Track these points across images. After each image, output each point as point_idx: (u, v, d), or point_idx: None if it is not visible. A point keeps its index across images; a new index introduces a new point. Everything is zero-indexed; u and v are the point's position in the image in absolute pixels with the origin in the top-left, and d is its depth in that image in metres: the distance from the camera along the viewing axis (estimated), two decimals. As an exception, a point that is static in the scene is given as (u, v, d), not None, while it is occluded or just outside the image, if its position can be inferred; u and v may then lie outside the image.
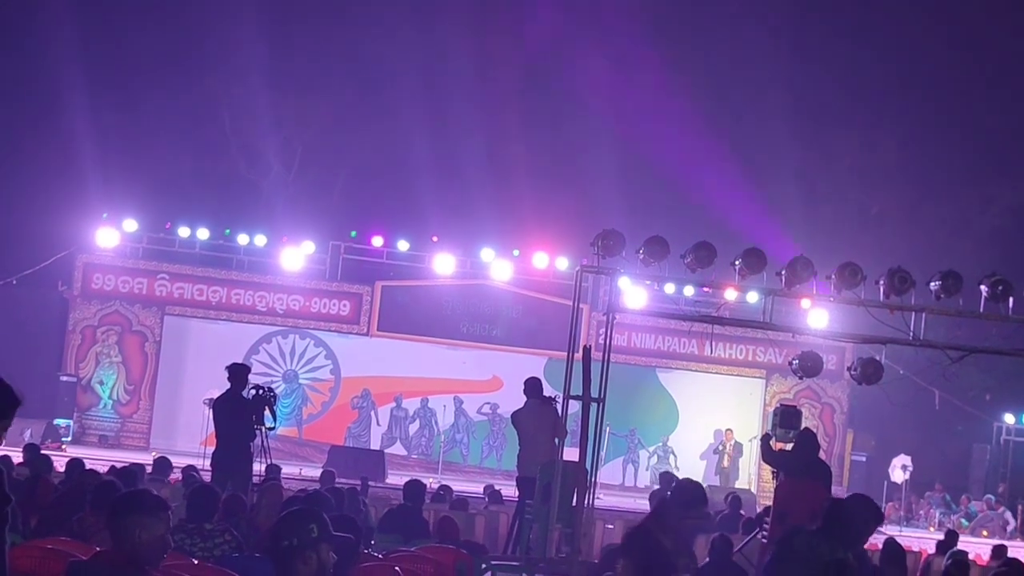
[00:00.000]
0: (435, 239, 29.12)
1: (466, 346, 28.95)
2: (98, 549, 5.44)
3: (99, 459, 18.37)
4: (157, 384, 28.04)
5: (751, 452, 28.14)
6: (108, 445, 26.50)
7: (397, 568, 8.32)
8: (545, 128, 36.56)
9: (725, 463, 27.88)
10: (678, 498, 7.46)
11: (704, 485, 8.01)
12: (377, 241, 28.93)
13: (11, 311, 28.21)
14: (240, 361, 17.18)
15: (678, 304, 25.43)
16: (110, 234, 27.59)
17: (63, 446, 24.19)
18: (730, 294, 16.14)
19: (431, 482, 18.46)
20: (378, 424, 29.34)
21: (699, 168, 35.01)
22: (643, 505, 23.81)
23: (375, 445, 28.35)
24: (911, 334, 13.81)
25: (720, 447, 28.30)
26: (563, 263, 28.09)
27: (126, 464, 13.95)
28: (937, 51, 36.24)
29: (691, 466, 28.12)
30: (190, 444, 25.10)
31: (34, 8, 33.92)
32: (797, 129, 35.40)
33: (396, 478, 22.90)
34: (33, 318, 28.54)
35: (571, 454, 14.35)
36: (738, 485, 26.09)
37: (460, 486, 20.80)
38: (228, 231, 28.61)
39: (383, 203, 34.39)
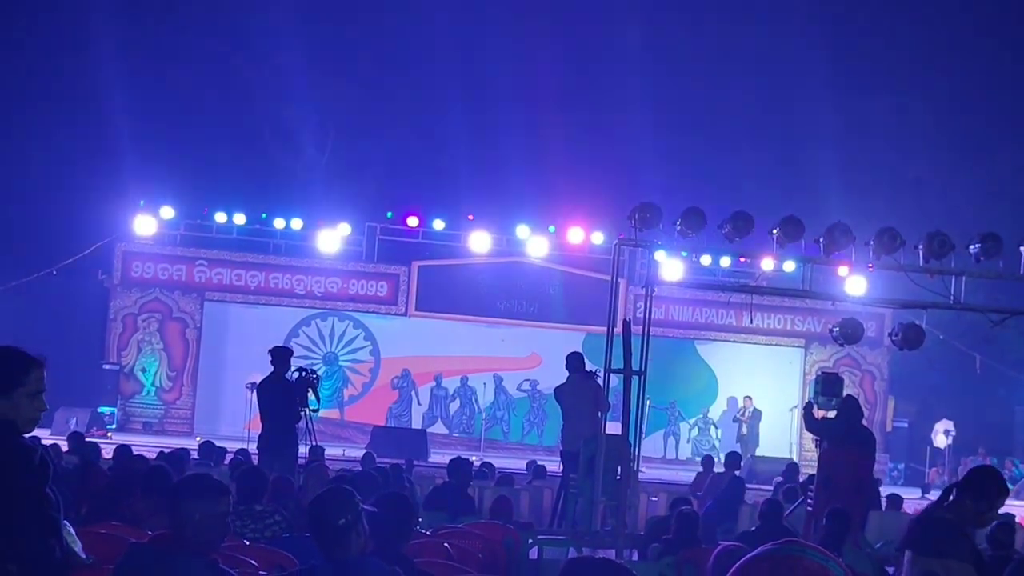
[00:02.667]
0: (471, 218, 29.13)
1: (504, 324, 29.00)
2: (155, 532, 5.50)
3: (144, 445, 18.53)
4: (199, 370, 28.24)
5: (786, 420, 28.12)
6: (152, 432, 26.73)
7: (446, 544, 8.39)
8: (579, 103, 36.47)
9: (744, 430, 27.76)
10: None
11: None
12: (412, 221, 28.96)
13: (52, 301, 28.43)
14: (280, 344, 17.27)
15: (715, 275, 25.40)
16: (148, 222, 27.76)
17: (108, 434, 24.41)
18: (767, 264, 16.06)
19: (474, 460, 18.51)
20: (419, 404, 29.44)
21: (734, 139, 34.89)
22: (685, 477, 23.89)
23: (416, 425, 28.45)
24: (951, 298, 13.75)
25: (739, 414, 28.21)
26: (598, 238, 28.06)
27: (173, 450, 14.09)
28: (974, 14, 35.92)
29: (731, 438, 28.08)
30: (233, 428, 25.28)
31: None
32: (833, 96, 35.20)
33: (438, 457, 23.03)
34: (74, 308, 28.75)
35: (612, 428, 14.37)
36: (775, 454, 25.98)
37: (502, 463, 20.86)
38: (264, 215, 28.72)
39: (418, 183, 34.39)
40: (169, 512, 4.97)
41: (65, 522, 5.11)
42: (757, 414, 27.92)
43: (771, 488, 19.36)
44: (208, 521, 4.83)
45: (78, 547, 5.17)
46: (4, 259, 28.48)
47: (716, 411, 29.42)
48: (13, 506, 4.38)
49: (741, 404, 28.26)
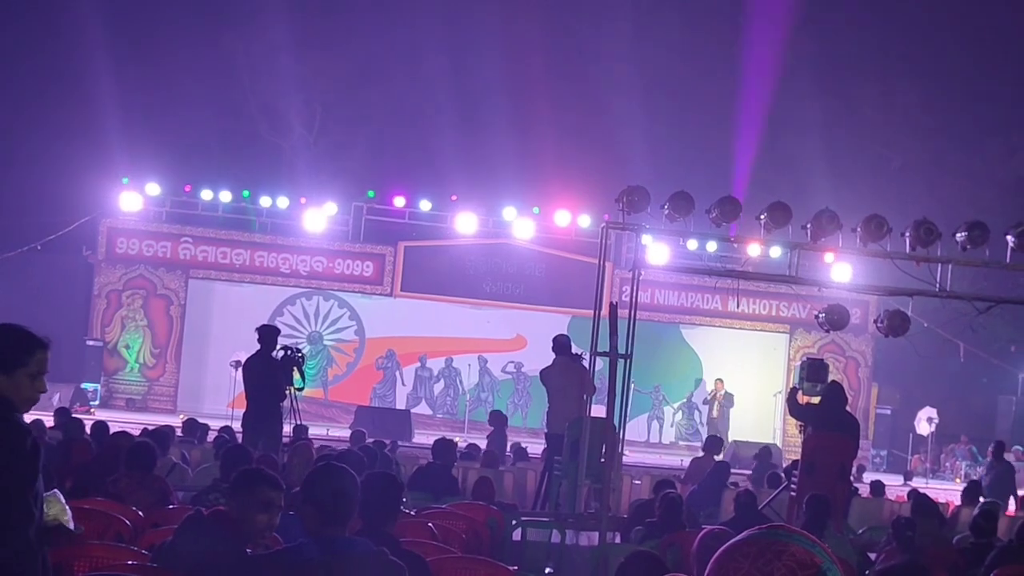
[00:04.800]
0: (455, 198, 29.10)
1: (489, 305, 29.00)
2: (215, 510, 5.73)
3: (127, 422, 18.51)
4: (183, 347, 28.18)
5: (770, 405, 28.16)
6: (136, 408, 26.69)
7: (430, 524, 8.40)
8: (566, 85, 36.43)
9: (715, 413, 27.73)
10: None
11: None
12: (399, 201, 28.92)
13: (36, 276, 28.36)
14: (265, 323, 17.25)
15: (702, 260, 25.45)
16: (133, 198, 27.67)
17: (91, 410, 24.36)
18: (753, 249, 16.08)
19: (458, 440, 18.56)
20: (403, 384, 29.44)
21: (721, 122, 34.88)
22: (668, 461, 23.96)
23: (400, 405, 28.47)
24: (937, 286, 13.77)
25: (709, 397, 28.23)
26: (585, 221, 28.06)
27: (157, 427, 14.06)
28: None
29: (703, 421, 28.14)
30: (217, 406, 25.27)
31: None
32: (819, 81, 35.22)
33: (422, 438, 23.04)
34: (58, 283, 28.68)
35: (597, 411, 14.39)
36: (759, 439, 26.05)
37: (486, 444, 20.88)
38: (249, 193, 28.63)
39: (405, 163, 34.36)
40: (232, 497, 5.45)
41: (56, 491, 5.14)
42: (729, 398, 27.87)
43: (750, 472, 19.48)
44: (262, 514, 5.33)
45: (68, 516, 5.18)
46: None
47: (700, 395, 29.46)
48: None
49: (712, 387, 28.28)
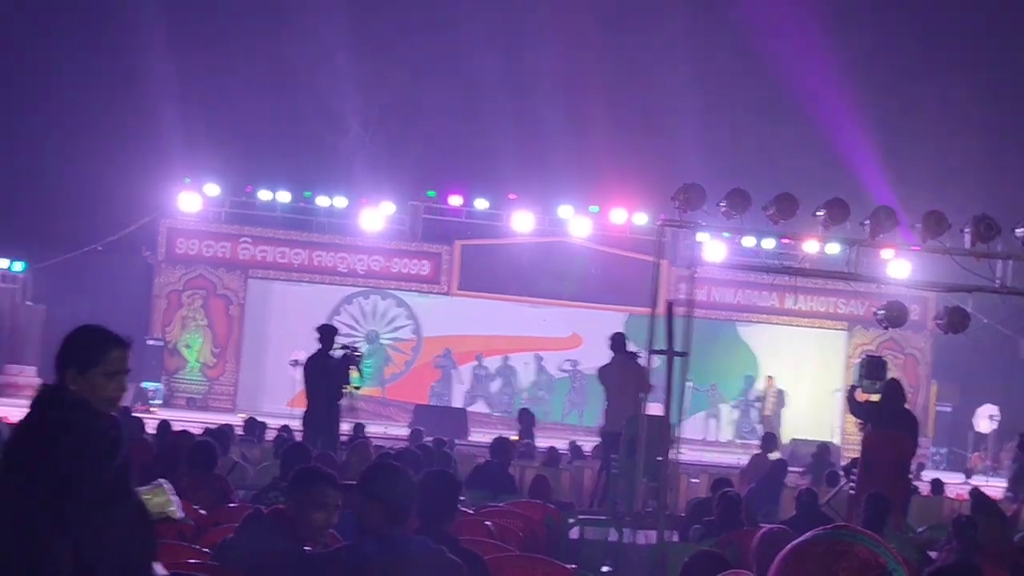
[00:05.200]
0: (512, 197, 29.13)
1: (546, 303, 29.02)
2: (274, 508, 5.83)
3: (188, 421, 18.68)
4: (242, 346, 28.42)
5: (829, 403, 27.96)
6: (196, 407, 26.94)
7: (488, 523, 8.43)
8: (623, 81, 36.35)
9: (767, 411, 27.56)
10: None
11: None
12: (456, 200, 29.00)
13: (98, 277, 28.67)
14: (324, 322, 17.37)
15: (758, 257, 25.33)
16: (193, 198, 27.95)
17: (152, 409, 24.61)
18: (810, 246, 15.97)
19: (515, 439, 18.59)
20: (460, 383, 29.53)
21: (777, 121, 34.67)
22: (725, 459, 23.85)
23: (457, 403, 28.55)
24: (997, 281, 13.63)
25: (760, 396, 28.06)
26: (641, 218, 28.01)
27: (218, 425, 14.20)
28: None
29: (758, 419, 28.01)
30: (276, 405, 25.48)
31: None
32: (878, 79, 34.92)
33: (479, 436, 23.09)
34: (119, 284, 28.96)
35: (654, 409, 14.37)
36: (817, 437, 25.89)
37: (542, 443, 20.89)
38: (308, 193, 28.81)
39: (461, 162, 34.37)
40: (290, 496, 5.55)
41: (162, 481, 5.24)
42: (780, 395, 27.71)
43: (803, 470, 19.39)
44: (320, 513, 5.40)
45: (174, 507, 5.28)
46: (51, 235, 28.74)
47: (756, 393, 29.32)
48: (70, 484, 4.39)
49: (763, 385, 28.13)
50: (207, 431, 13.00)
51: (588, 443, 20.01)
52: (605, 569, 9.71)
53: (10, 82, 32.87)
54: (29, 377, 25.63)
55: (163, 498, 5.19)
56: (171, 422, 14.81)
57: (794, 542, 2.56)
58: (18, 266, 28.87)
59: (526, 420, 19.96)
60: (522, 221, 28.02)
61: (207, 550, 6.31)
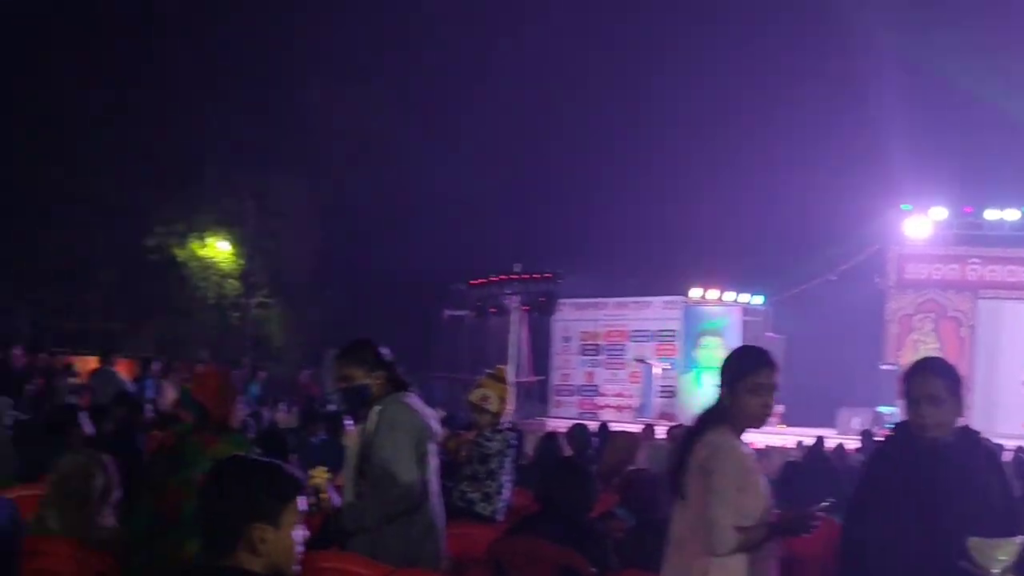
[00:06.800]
0: None
1: None
2: None
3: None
4: (974, 368, 28.25)
5: None
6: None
7: None
8: None
9: None
10: None
11: None
12: None
13: (832, 305, 29.72)
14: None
15: None
16: (919, 223, 28.41)
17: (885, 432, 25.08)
18: None
19: None
20: None
21: None
22: None
23: None
24: None
25: None
26: None
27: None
28: None
29: None
30: (1010, 426, 25.05)
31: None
32: None
33: None
34: (852, 311, 29.83)
35: None
36: None
37: None
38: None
39: None
40: None
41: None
42: None
43: None
44: None
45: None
46: (788, 267, 30.28)
47: None
48: None
49: None
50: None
51: None
52: None
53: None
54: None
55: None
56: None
57: None
58: (758, 299, 30.83)
59: None
60: None
61: None
